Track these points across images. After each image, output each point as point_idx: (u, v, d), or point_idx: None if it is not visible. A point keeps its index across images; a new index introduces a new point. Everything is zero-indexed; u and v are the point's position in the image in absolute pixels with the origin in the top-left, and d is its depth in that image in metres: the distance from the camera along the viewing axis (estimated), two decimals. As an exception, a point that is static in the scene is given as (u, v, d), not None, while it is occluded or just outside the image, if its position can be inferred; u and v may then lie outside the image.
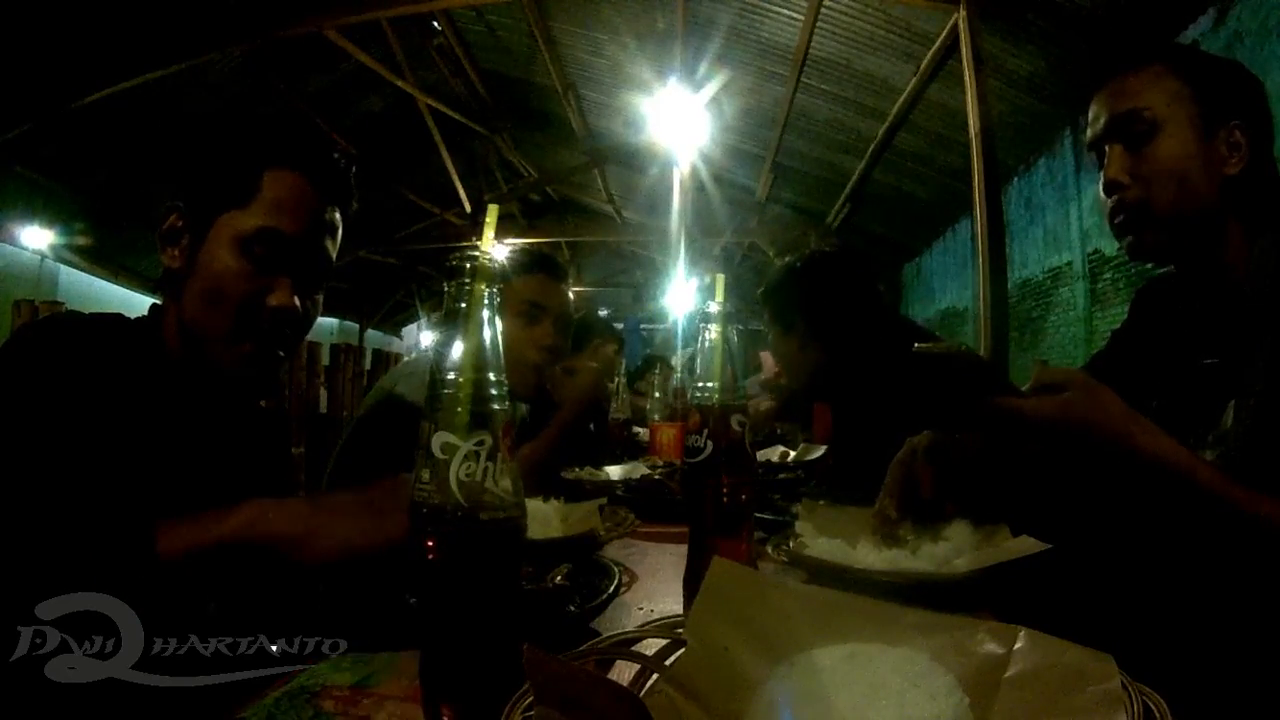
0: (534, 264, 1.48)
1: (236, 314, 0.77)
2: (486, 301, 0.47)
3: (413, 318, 12.27)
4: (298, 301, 0.79)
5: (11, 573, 0.57)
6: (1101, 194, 0.90)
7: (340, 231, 0.85)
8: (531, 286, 1.44)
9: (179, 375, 0.80)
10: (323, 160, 0.82)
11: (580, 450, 1.64)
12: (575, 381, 1.48)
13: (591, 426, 1.87)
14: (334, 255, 0.85)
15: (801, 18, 4.28)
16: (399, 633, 0.60)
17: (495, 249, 0.49)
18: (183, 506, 0.64)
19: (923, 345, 0.79)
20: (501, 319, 0.48)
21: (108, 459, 0.65)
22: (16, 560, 0.58)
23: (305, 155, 0.80)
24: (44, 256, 6.67)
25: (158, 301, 0.84)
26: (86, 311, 0.80)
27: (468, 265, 0.47)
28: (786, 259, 1.71)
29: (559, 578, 0.74)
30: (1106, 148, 0.88)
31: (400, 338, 12.91)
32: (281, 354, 0.82)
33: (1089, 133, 0.92)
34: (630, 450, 2.05)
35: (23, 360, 0.71)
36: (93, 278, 7.14)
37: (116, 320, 0.80)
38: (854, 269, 1.66)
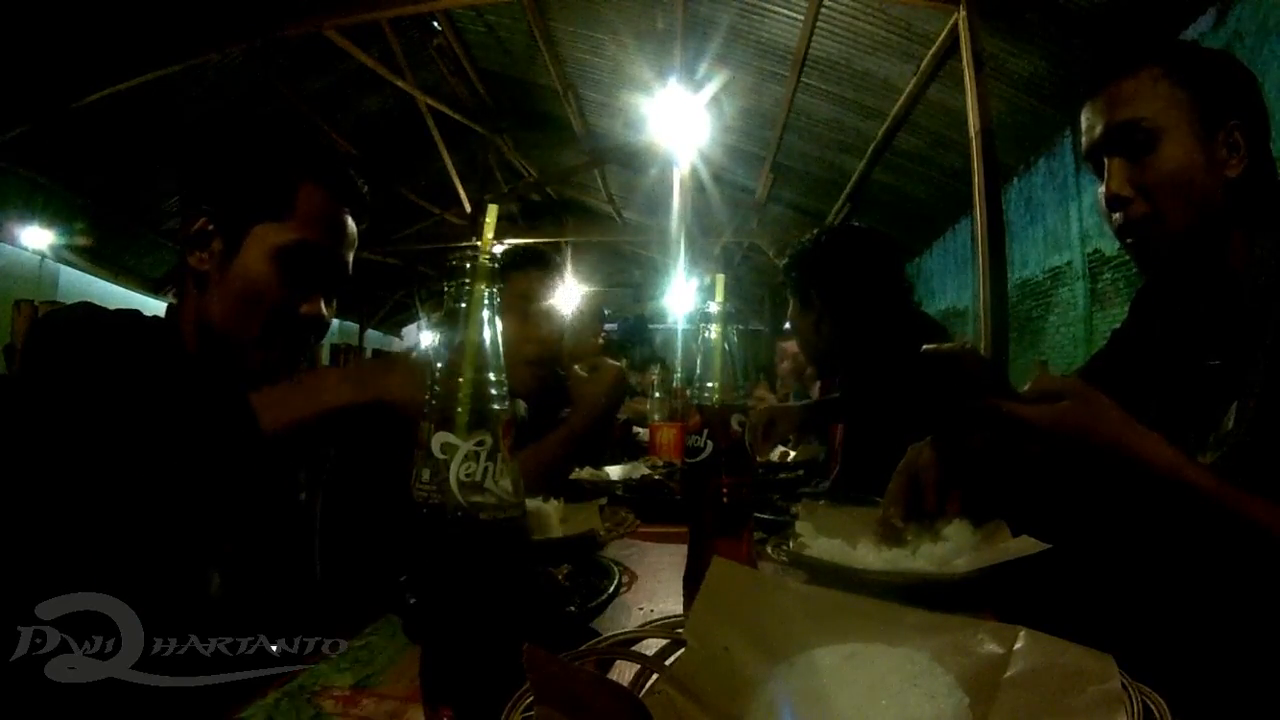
0: (523, 259, 1.48)
1: (269, 320, 0.81)
2: (486, 301, 0.47)
3: (413, 318, 12.25)
4: (325, 310, 0.85)
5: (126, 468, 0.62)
6: (1102, 205, 0.88)
7: (356, 244, 0.91)
8: (522, 283, 1.44)
9: (196, 371, 0.83)
10: (348, 178, 0.88)
11: (595, 453, 1.62)
12: (593, 382, 1.41)
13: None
14: (351, 266, 0.90)
15: (801, 18, 4.28)
16: (399, 632, 0.60)
17: (495, 248, 0.49)
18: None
19: (930, 346, 0.80)
20: (500, 318, 0.48)
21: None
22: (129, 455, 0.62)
23: (334, 173, 0.86)
24: (44, 256, 6.66)
25: (173, 301, 0.87)
26: None
27: (468, 265, 0.47)
28: (814, 231, 1.65)
29: (559, 577, 0.74)
30: (1106, 159, 0.87)
31: (400, 338, 12.90)
32: (301, 356, 0.88)
33: (1085, 141, 0.90)
34: (630, 450, 2.05)
35: (61, 344, 0.74)
36: (93, 278, 7.13)
37: (135, 316, 0.83)
38: (878, 247, 1.61)
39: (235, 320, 0.81)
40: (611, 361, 1.41)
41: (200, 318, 0.82)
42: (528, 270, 1.46)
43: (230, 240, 0.81)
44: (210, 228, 0.82)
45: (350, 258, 0.89)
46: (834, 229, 1.67)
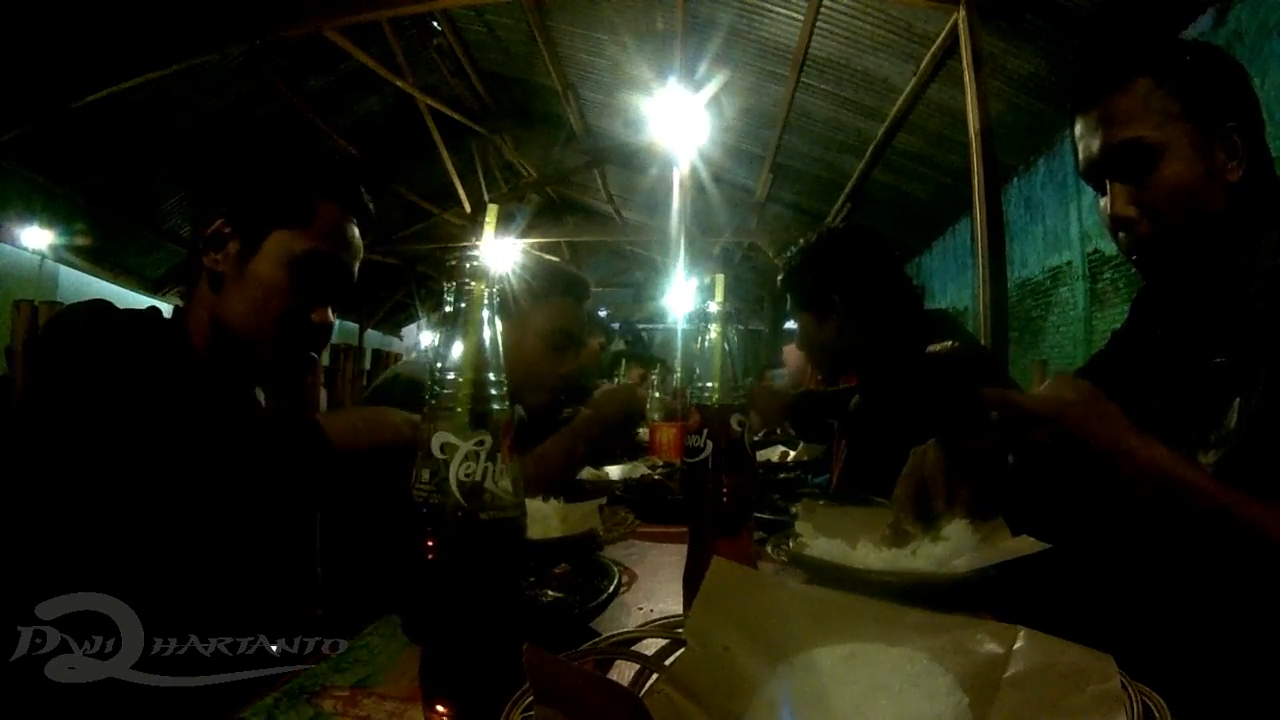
0: (566, 287, 1.40)
1: (281, 323, 0.85)
2: (486, 302, 0.47)
3: (413, 318, 12.26)
4: (332, 317, 0.90)
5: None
6: (1105, 221, 0.87)
7: (361, 256, 0.97)
8: (563, 312, 1.37)
9: (205, 372, 0.85)
10: (359, 195, 0.94)
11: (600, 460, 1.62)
12: (608, 397, 1.42)
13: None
14: (355, 275, 0.96)
15: (801, 18, 4.28)
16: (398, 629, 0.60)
17: (504, 247, 0.49)
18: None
19: (934, 347, 0.80)
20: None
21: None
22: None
23: (348, 189, 0.92)
24: (44, 256, 6.66)
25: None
26: None
27: (468, 266, 0.47)
28: (802, 241, 1.57)
29: (557, 581, 0.74)
30: (1107, 180, 0.85)
31: (400, 338, 12.90)
32: (313, 356, 0.93)
33: (1081, 158, 0.88)
34: (630, 450, 2.05)
35: (77, 346, 0.75)
36: (92, 278, 7.13)
37: (150, 317, 0.84)
38: (885, 243, 1.55)
39: (250, 321, 0.85)
40: (629, 383, 1.41)
41: (214, 317, 0.85)
42: (566, 300, 1.39)
43: (248, 242, 0.85)
44: (228, 230, 0.85)
45: (355, 268, 0.95)
46: (836, 230, 1.63)
